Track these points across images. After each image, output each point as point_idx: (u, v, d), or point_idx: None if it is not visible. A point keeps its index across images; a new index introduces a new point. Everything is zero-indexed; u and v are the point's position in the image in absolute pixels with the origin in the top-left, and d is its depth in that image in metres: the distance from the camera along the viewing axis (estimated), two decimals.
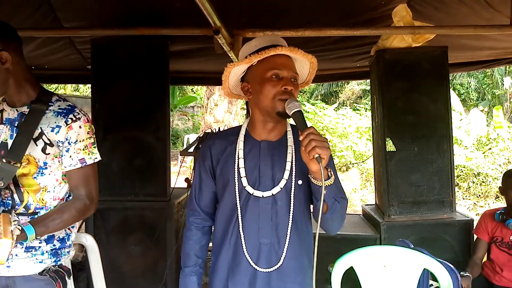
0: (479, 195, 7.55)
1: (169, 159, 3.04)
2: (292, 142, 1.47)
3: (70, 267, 1.65)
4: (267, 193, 1.43)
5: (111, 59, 2.95)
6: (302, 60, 1.48)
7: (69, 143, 1.55)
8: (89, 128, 1.59)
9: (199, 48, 3.22)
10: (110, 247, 2.96)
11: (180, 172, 3.56)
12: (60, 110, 1.56)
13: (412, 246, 2.19)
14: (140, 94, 2.95)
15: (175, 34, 2.79)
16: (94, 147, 1.61)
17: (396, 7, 2.68)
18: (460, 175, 7.65)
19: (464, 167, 7.70)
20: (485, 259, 2.76)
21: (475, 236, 2.80)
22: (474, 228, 2.86)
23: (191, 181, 3.48)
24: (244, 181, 1.43)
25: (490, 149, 8.19)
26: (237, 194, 1.45)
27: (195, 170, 1.58)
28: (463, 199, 7.45)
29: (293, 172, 1.43)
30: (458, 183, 7.48)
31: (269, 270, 1.44)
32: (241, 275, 1.46)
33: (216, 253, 1.53)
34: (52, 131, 1.53)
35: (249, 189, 1.43)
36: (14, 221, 1.48)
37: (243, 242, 1.44)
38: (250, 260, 1.44)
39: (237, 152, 1.47)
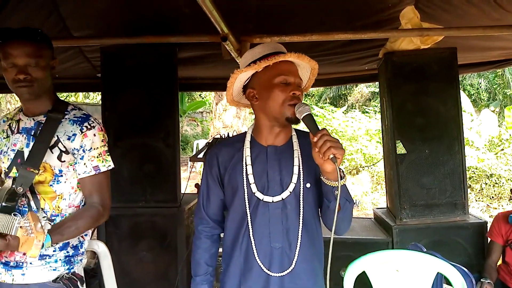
0: (492, 197, 7.45)
1: (179, 165, 3.05)
2: (297, 146, 1.48)
3: (82, 274, 1.67)
4: (276, 198, 1.44)
5: (121, 67, 2.98)
6: (304, 66, 1.51)
7: (83, 151, 1.59)
8: (103, 136, 1.64)
9: (207, 54, 3.24)
10: (122, 253, 2.97)
11: (190, 178, 3.57)
12: (76, 119, 1.62)
13: (425, 249, 2.16)
14: (149, 101, 2.98)
15: (183, 42, 2.81)
16: (108, 155, 1.65)
17: (404, 9, 2.67)
18: (472, 176, 7.57)
19: (476, 168, 7.61)
20: (499, 262, 2.72)
21: (489, 239, 2.76)
22: (487, 230, 2.82)
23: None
24: (253, 187, 1.44)
25: (502, 150, 8.09)
26: (247, 201, 1.45)
27: (202, 179, 1.59)
28: (476, 201, 7.35)
29: (301, 176, 1.44)
30: (470, 185, 7.39)
31: (282, 274, 1.44)
32: (254, 281, 1.46)
33: (227, 260, 1.53)
34: (68, 139, 1.58)
35: (259, 195, 1.44)
36: (43, 217, 1.52)
37: (254, 248, 1.45)
38: (262, 265, 1.44)
39: (244, 158, 1.48)
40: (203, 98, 16.30)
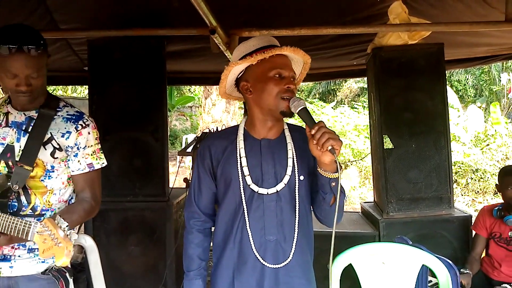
0: (478, 191, 7.57)
1: (167, 160, 3.04)
2: (290, 140, 1.49)
3: (70, 266, 1.66)
4: (271, 190, 1.44)
5: (108, 60, 2.95)
6: (297, 60, 1.51)
7: (78, 148, 1.61)
8: (96, 134, 1.67)
9: (196, 48, 3.22)
10: (110, 248, 2.96)
11: (179, 172, 3.57)
12: (69, 116, 1.62)
13: (411, 242, 2.19)
14: (137, 94, 2.95)
15: (171, 35, 2.79)
16: (101, 153, 1.69)
17: (392, 4, 2.69)
18: (458, 171, 7.67)
19: (462, 163, 7.72)
20: (483, 254, 2.77)
21: (474, 232, 2.81)
22: (472, 224, 2.87)
23: (190, 181, 3.48)
24: (248, 179, 1.44)
25: (488, 145, 8.22)
26: (242, 192, 1.45)
27: (194, 172, 1.58)
28: (462, 195, 7.47)
29: (295, 168, 1.45)
30: (456, 180, 7.50)
31: (277, 266, 1.45)
32: (249, 273, 1.46)
33: (219, 253, 1.52)
34: (62, 136, 1.59)
35: (254, 187, 1.44)
36: (63, 223, 1.49)
37: (251, 239, 1.45)
38: (258, 256, 1.44)
39: (238, 150, 1.47)
40: (192, 93, 16.21)
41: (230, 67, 1.44)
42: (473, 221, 2.88)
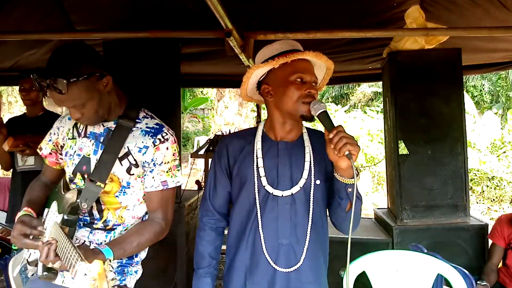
0: (493, 199, 7.44)
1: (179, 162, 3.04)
2: (309, 143, 1.49)
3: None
4: (286, 193, 1.43)
5: (123, 62, 2.96)
6: (320, 65, 1.51)
7: (154, 164, 1.50)
8: (175, 150, 1.54)
9: (210, 50, 3.23)
10: None
11: (191, 174, 3.57)
12: (148, 129, 1.52)
13: (426, 250, 2.16)
14: (151, 96, 2.93)
15: (187, 37, 2.79)
16: (178, 170, 1.56)
17: (409, 8, 2.65)
18: (474, 178, 7.56)
19: (478, 170, 7.61)
20: (500, 264, 2.71)
21: (490, 241, 2.75)
22: (488, 233, 2.81)
23: (202, 183, 3.49)
24: (264, 180, 1.44)
25: (504, 152, 8.09)
26: (257, 193, 1.44)
27: (210, 170, 1.58)
28: (477, 203, 7.35)
29: (312, 172, 1.44)
30: (472, 187, 7.39)
31: (289, 270, 1.43)
32: (260, 276, 1.45)
33: (232, 254, 1.52)
34: (139, 151, 1.49)
35: (269, 188, 1.43)
36: (110, 270, 1.37)
37: (263, 242, 1.44)
38: (269, 260, 1.43)
39: (255, 151, 1.47)
40: (204, 95, 16.30)
41: (252, 69, 1.45)
42: (489, 230, 2.83)
